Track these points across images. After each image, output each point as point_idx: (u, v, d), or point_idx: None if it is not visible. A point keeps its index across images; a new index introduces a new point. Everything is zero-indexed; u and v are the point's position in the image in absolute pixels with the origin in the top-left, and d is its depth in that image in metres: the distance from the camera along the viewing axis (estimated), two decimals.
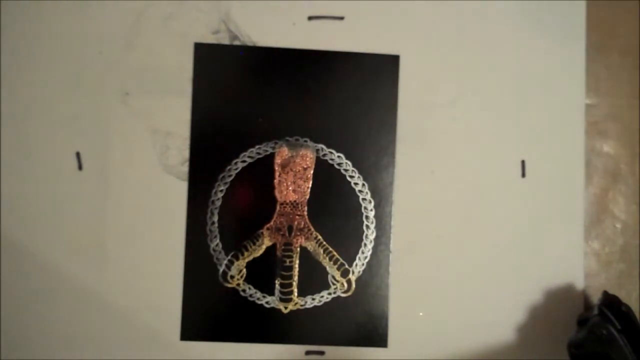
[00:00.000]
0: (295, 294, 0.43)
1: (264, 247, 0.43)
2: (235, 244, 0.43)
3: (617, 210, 0.46)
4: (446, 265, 0.44)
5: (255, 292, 0.43)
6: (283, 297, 0.43)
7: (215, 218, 0.43)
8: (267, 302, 0.43)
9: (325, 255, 0.43)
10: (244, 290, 0.43)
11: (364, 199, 0.43)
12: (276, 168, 0.42)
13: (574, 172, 0.45)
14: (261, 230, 0.43)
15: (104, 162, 0.44)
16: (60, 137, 0.44)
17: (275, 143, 0.43)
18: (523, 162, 0.45)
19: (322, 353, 0.43)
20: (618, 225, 0.46)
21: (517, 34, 0.46)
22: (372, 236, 0.43)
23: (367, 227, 0.43)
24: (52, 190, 0.44)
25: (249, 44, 0.44)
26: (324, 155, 0.43)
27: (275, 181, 0.42)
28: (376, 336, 0.43)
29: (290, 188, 0.42)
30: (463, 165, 0.45)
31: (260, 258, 0.43)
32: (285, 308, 0.43)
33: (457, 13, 0.45)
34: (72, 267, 0.43)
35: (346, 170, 0.43)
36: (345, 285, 0.43)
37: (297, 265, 0.43)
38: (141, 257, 0.43)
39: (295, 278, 0.43)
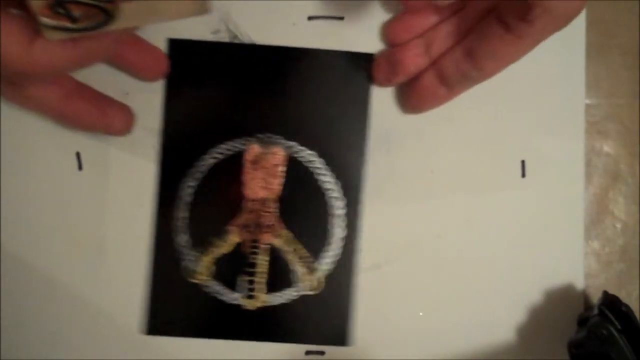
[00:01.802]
0: (262, 291, 0.43)
1: (231, 243, 0.42)
2: (203, 240, 0.43)
3: (617, 210, 0.46)
4: (446, 265, 0.44)
5: (222, 289, 0.43)
6: (249, 294, 0.43)
7: (186, 214, 0.43)
8: (233, 299, 0.42)
9: (293, 253, 0.43)
10: (210, 287, 0.43)
11: (334, 198, 0.43)
12: (246, 164, 0.42)
13: (574, 172, 0.45)
14: (229, 227, 0.42)
15: (104, 162, 0.44)
16: (60, 137, 0.44)
17: (247, 140, 0.43)
18: (523, 162, 0.45)
19: (322, 353, 0.43)
20: (618, 225, 0.46)
21: None
22: (341, 235, 0.43)
23: (337, 226, 0.43)
24: (52, 190, 0.44)
25: (248, 43, 0.44)
26: (296, 152, 0.43)
27: (245, 178, 0.42)
28: (342, 335, 0.43)
29: (260, 185, 0.42)
30: (463, 165, 0.45)
31: (229, 255, 0.43)
32: (252, 305, 0.42)
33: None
34: (72, 267, 0.43)
35: (318, 168, 0.43)
36: (313, 283, 0.43)
37: (264, 263, 0.43)
38: (139, 256, 0.43)
39: (263, 275, 0.43)
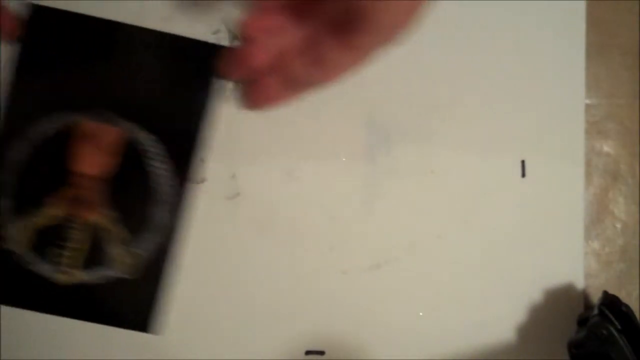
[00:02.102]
0: (77, 268, 0.42)
1: (51, 215, 0.42)
2: (25, 208, 0.42)
3: (617, 210, 0.46)
4: (446, 265, 0.44)
5: (37, 260, 0.42)
6: (64, 269, 0.42)
7: (13, 178, 0.42)
8: (46, 272, 0.42)
9: (113, 233, 0.42)
10: (25, 256, 0.42)
11: (163, 184, 0.43)
12: (79, 139, 0.42)
13: (574, 172, 0.45)
14: (51, 199, 0.42)
15: None
16: None
17: (85, 114, 0.43)
18: (523, 162, 0.45)
19: (322, 353, 0.43)
20: (618, 225, 0.46)
21: (516, 34, 0.46)
22: (165, 222, 0.43)
23: (162, 212, 0.43)
24: None
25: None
26: (132, 133, 0.43)
27: (76, 152, 0.42)
28: (152, 322, 0.42)
29: (89, 161, 0.42)
30: (463, 165, 0.45)
31: (51, 227, 0.42)
32: (64, 280, 0.42)
33: (457, 13, 0.45)
34: None
35: (151, 152, 0.43)
36: (129, 266, 0.42)
37: (83, 239, 0.42)
38: None
39: (79, 252, 0.42)
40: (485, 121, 0.45)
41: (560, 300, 0.44)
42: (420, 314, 0.44)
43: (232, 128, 0.44)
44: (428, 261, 0.44)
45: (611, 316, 0.40)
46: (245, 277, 0.43)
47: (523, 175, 0.45)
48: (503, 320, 0.44)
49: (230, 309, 0.43)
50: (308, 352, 0.43)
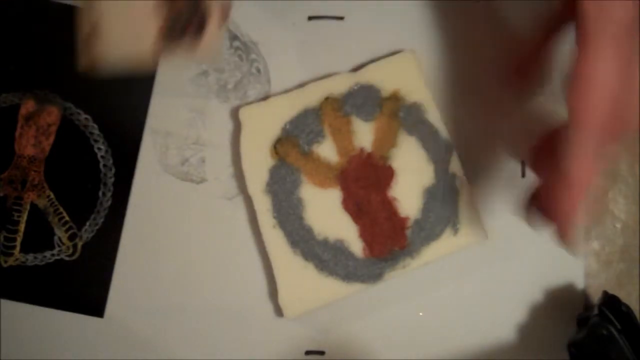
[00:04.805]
0: (18, 249, 0.42)
1: None
2: None
3: (617, 210, 0.46)
4: (446, 264, 0.44)
5: None
6: (4, 250, 0.42)
7: None
8: None
9: (55, 215, 0.42)
10: None
11: (105, 166, 0.43)
12: (20, 120, 0.42)
13: None
14: None
15: None
16: None
17: (23, 94, 0.43)
18: (523, 162, 0.45)
19: (322, 353, 0.43)
20: (618, 225, 0.46)
21: (516, 34, 0.46)
22: (107, 204, 0.43)
23: (104, 194, 0.43)
24: None
25: (249, 43, 0.44)
26: (72, 114, 0.43)
27: (17, 133, 0.42)
28: (94, 305, 0.42)
29: (31, 142, 0.42)
30: (463, 164, 0.45)
31: None
32: (5, 262, 0.42)
33: (459, 14, 0.45)
34: None
35: (92, 134, 0.43)
36: (71, 249, 0.42)
37: (24, 221, 0.42)
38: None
39: (21, 234, 0.42)
40: (485, 121, 0.45)
41: (560, 300, 0.44)
42: (420, 314, 0.44)
43: (232, 127, 0.44)
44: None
45: (611, 316, 0.40)
46: (246, 277, 0.43)
47: (523, 175, 0.45)
48: (503, 320, 0.44)
49: (230, 308, 0.43)
50: (308, 352, 0.43)
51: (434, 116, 0.44)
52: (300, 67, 0.45)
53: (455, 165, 0.43)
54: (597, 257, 0.45)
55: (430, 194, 0.43)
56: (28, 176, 0.42)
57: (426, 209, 0.43)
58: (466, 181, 0.43)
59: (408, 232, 0.42)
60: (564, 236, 0.35)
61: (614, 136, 0.34)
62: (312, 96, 0.44)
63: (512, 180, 0.45)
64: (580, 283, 0.45)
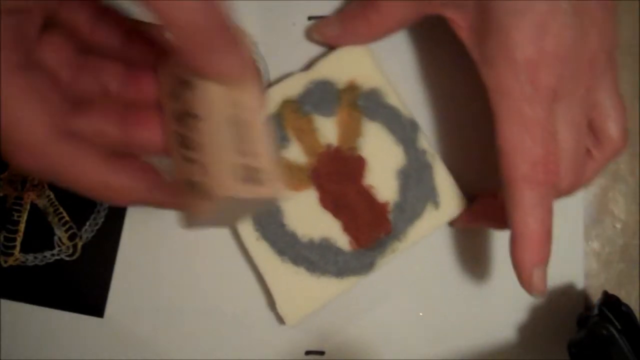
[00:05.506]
0: (18, 249, 0.42)
1: None
2: None
3: (617, 210, 0.46)
4: (446, 264, 0.44)
5: None
6: (4, 250, 0.42)
7: None
8: None
9: (55, 215, 0.42)
10: None
11: None
12: None
13: None
14: None
15: None
16: None
17: None
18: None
19: (322, 353, 0.43)
20: (618, 225, 0.46)
21: None
22: (107, 204, 0.43)
23: None
24: None
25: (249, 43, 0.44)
26: None
27: None
28: (94, 305, 0.42)
29: None
30: (463, 165, 0.45)
31: None
32: (5, 262, 0.42)
33: None
34: None
35: None
36: (71, 249, 0.42)
37: (24, 221, 0.42)
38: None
39: (20, 234, 0.42)
40: (485, 121, 0.45)
41: (560, 300, 0.44)
42: (420, 314, 0.44)
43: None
44: (428, 261, 0.44)
45: (611, 316, 0.40)
46: (246, 277, 0.43)
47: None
48: (503, 320, 0.44)
49: (230, 308, 0.43)
50: (308, 352, 0.43)
51: (393, 98, 0.43)
52: (300, 67, 0.44)
53: (423, 142, 0.43)
54: (597, 257, 0.45)
55: (404, 175, 0.42)
56: (28, 176, 0.42)
57: (403, 189, 0.42)
58: (437, 155, 0.43)
59: (390, 216, 0.42)
60: (527, 285, 0.36)
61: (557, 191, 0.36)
62: (270, 102, 0.43)
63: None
64: (580, 283, 0.45)
